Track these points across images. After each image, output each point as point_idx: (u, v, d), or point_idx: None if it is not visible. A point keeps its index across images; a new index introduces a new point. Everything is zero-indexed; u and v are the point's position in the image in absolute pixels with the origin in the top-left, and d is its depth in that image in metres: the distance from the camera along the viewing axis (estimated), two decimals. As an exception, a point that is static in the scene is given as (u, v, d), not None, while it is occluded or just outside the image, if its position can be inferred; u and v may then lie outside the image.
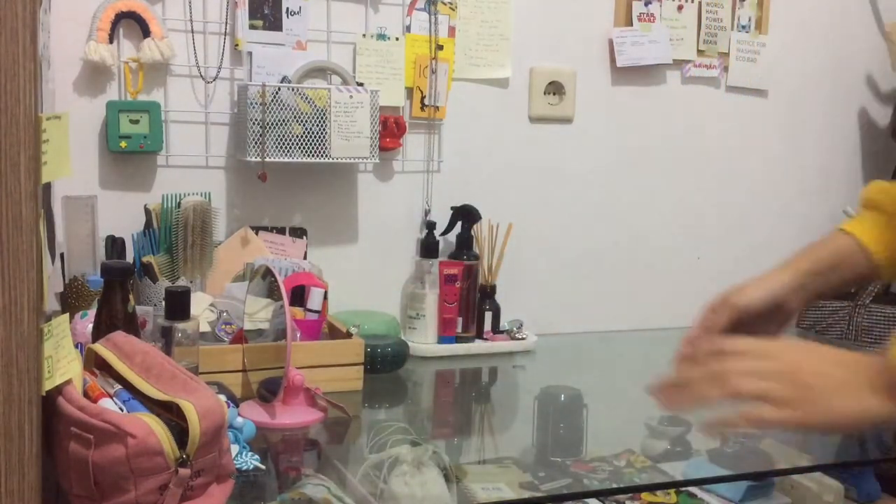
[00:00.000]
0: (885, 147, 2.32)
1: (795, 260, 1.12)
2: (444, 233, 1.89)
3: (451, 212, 1.89)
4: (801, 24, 2.21)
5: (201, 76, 1.72)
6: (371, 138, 1.74)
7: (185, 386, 1.02)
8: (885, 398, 0.86)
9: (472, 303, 1.86)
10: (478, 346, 1.83)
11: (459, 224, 1.89)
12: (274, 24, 1.73)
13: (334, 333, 1.61)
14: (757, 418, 0.88)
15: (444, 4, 1.87)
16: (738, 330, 1.04)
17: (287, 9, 1.74)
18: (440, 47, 1.87)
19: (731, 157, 2.19)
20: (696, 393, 0.92)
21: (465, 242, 1.88)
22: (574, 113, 2.02)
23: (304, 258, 1.79)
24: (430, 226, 1.88)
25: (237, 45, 1.72)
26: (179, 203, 1.64)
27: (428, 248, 1.87)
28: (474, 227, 1.89)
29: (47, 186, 1.32)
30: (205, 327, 1.53)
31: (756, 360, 0.91)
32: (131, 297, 1.26)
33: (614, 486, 1.29)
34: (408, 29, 1.85)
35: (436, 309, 1.83)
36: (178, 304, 1.30)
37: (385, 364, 1.61)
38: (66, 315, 1.02)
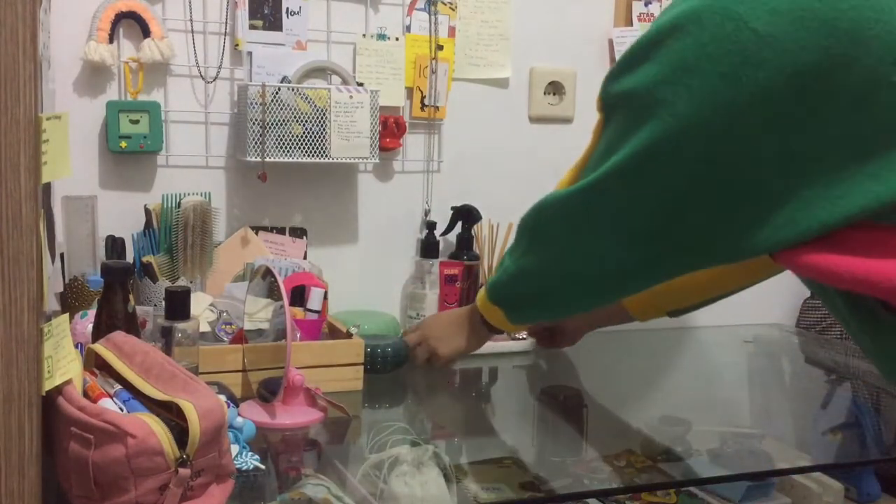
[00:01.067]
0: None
1: None
2: (445, 233, 1.90)
3: (451, 212, 1.89)
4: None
5: (201, 76, 1.72)
6: (371, 138, 1.74)
7: (185, 386, 1.02)
8: (471, 334, 1.59)
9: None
10: (478, 346, 1.83)
11: (459, 224, 1.89)
12: (274, 24, 1.73)
13: (334, 333, 1.61)
14: (420, 363, 1.64)
15: (444, 4, 1.87)
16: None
17: (287, 9, 1.74)
18: (440, 47, 1.87)
19: (731, 157, 2.19)
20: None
21: (465, 243, 1.89)
22: (574, 113, 2.02)
23: (304, 258, 1.79)
24: (431, 226, 1.88)
25: (237, 45, 1.72)
26: (179, 203, 1.64)
27: (428, 248, 1.87)
28: (474, 227, 1.89)
29: (47, 186, 1.32)
30: (205, 327, 1.53)
31: (416, 333, 1.66)
32: (131, 297, 1.26)
33: (614, 486, 1.29)
34: (408, 29, 1.85)
35: (436, 309, 1.83)
36: (178, 304, 1.30)
37: (385, 364, 1.61)
38: (66, 315, 1.02)
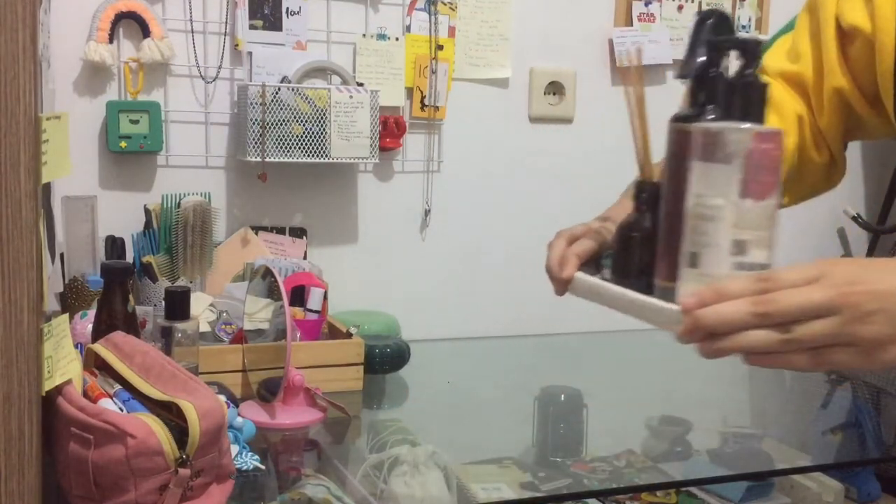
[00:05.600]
0: (884, 144, 2.32)
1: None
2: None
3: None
4: (801, 23, 2.21)
5: (201, 76, 1.72)
6: (371, 138, 1.74)
7: (185, 386, 1.02)
8: None
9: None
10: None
11: None
12: (274, 24, 1.73)
13: (334, 333, 1.61)
14: (833, 365, 0.72)
15: (444, 4, 1.87)
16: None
17: (287, 9, 1.74)
18: (440, 47, 1.87)
19: (731, 157, 2.19)
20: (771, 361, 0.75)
21: None
22: (574, 113, 2.02)
23: (304, 258, 1.79)
24: None
25: (237, 45, 1.72)
26: (179, 203, 1.64)
27: None
28: None
29: (47, 186, 1.32)
30: (205, 327, 1.53)
31: (819, 289, 0.72)
32: (131, 297, 1.26)
33: (614, 486, 1.29)
34: (408, 29, 1.85)
35: None
36: (178, 304, 1.30)
37: (385, 364, 1.61)
38: (66, 315, 1.01)
